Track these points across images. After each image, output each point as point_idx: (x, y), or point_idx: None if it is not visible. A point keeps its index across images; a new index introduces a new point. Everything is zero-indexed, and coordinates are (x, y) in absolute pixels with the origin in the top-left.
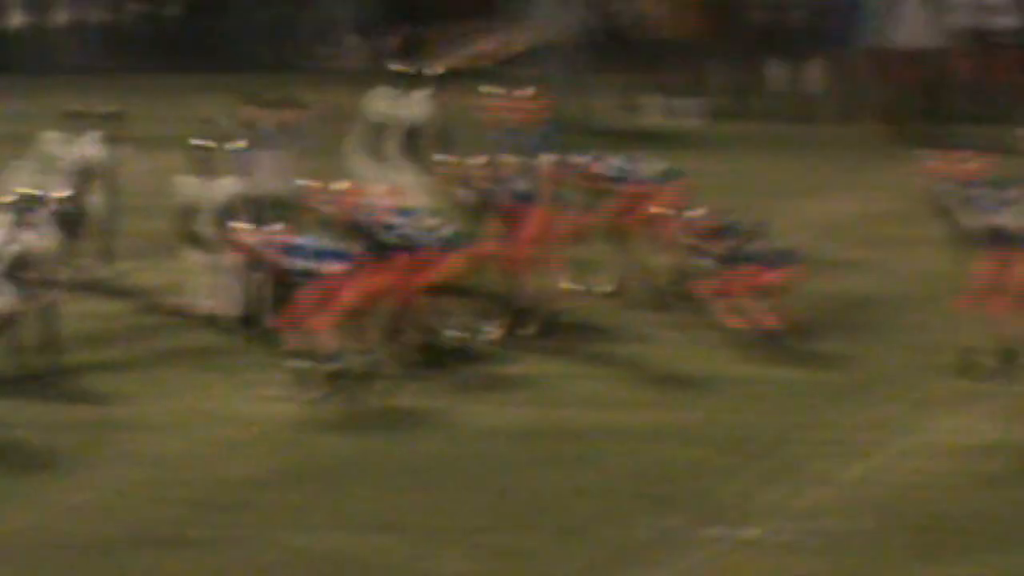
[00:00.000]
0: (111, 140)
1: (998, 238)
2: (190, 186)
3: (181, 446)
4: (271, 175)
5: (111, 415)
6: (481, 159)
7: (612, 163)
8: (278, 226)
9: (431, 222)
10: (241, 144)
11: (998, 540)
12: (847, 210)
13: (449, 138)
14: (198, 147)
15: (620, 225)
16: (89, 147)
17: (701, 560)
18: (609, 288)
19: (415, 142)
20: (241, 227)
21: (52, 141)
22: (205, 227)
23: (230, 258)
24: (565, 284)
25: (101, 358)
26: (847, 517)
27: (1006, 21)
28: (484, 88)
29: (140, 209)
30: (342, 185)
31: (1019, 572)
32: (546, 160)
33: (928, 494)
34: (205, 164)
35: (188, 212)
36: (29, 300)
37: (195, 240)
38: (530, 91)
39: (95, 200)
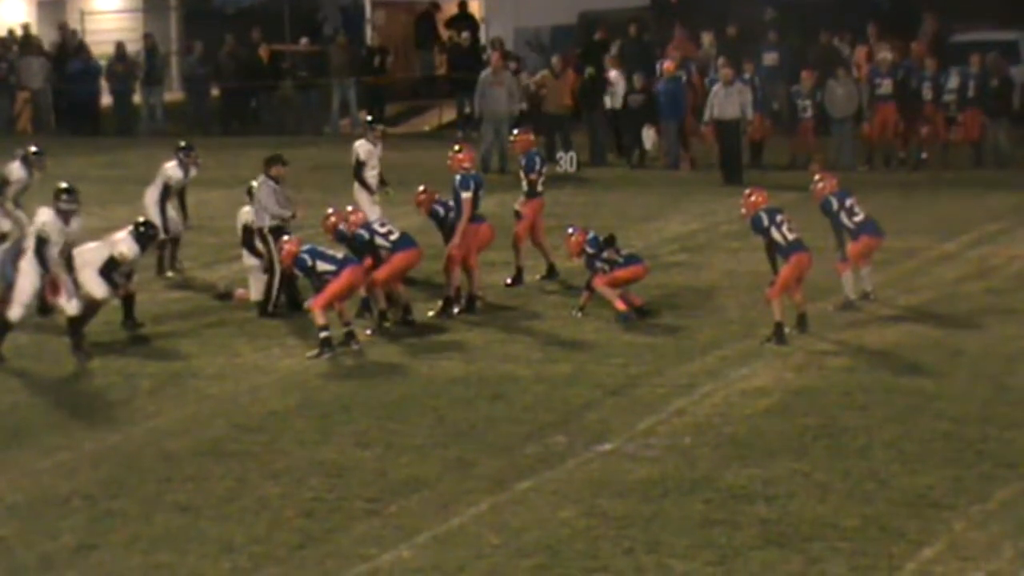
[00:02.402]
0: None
1: (772, 248)
2: (247, 213)
3: (223, 388)
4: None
5: (174, 367)
6: (419, 189)
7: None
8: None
9: (385, 229)
10: (277, 184)
11: (771, 451)
12: (675, 229)
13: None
14: (252, 187)
15: (517, 233)
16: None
17: (575, 466)
18: (508, 280)
19: (382, 176)
20: (284, 239)
21: (170, 168)
22: (257, 240)
23: (276, 260)
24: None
25: (168, 329)
26: (672, 436)
27: (806, 104)
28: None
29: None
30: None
31: (784, 472)
32: (467, 193)
33: (726, 420)
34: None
35: (246, 230)
36: (116, 290)
37: (250, 248)
38: (458, 146)
39: (172, 215)
